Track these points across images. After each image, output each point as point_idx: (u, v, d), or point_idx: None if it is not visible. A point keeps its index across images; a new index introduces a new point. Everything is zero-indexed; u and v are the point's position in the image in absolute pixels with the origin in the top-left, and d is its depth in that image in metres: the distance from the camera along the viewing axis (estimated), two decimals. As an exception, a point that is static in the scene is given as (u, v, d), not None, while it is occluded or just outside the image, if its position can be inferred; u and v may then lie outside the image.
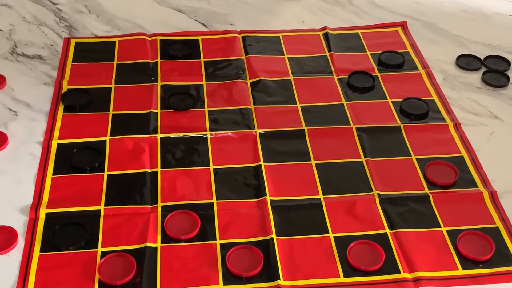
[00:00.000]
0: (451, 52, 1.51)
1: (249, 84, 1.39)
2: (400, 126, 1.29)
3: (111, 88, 1.37)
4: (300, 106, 1.34)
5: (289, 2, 1.69)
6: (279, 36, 1.54)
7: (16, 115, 1.30)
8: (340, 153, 1.23)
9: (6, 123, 1.28)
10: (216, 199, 1.13)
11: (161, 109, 1.32)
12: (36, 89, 1.37)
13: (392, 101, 1.36)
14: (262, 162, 1.20)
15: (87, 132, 1.25)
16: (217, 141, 1.25)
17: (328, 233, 1.08)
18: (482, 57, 1.49)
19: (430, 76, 1.44)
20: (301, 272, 1.02)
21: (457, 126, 1.30)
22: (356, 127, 1.28)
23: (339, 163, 1.21)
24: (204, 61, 1.46)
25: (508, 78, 1.43)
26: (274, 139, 1.26)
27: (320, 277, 1.01)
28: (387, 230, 1.08)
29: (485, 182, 1.18)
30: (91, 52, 1.47)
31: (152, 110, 1.31)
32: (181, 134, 1.26)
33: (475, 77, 1.45)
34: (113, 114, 1.30)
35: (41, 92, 1.36)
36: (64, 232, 1.06)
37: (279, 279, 1.00)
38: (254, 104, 1.34)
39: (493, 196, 1.15)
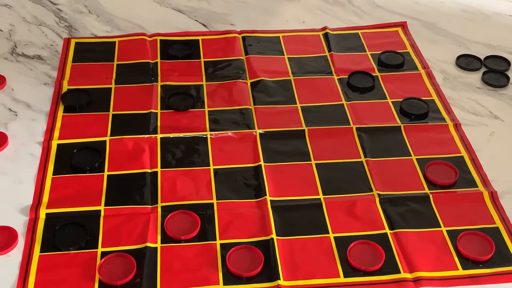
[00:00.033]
0: (451, 52, 1.51)
1: (249, 84, 1.39)
2: (400, 126, 1.29)
3: (111, 88, 1.37)
4: (300, 106, 1.34)
5: (289, 2, 1.69)
6: (279, 36, 1.54)
7: (16, 115, 1.30)
8: (340, 153, 1.23)
9: (6, 123, 1.28)
10: (216, 199, 1.13)
11: (161, 109, 1.32)
12: (36, 89, 1.37)
13: (392, 101, 1.36)
14: (262, 162, 1.20)
15: (87, 132, 1.25)
16: (217, 141, 1.25)
17: (328, 233, 1.08)
18: (482, 57, 1.49)
19: (430, 76, 1.44)
20: (301, 272, 1.02)
21: (457, 126, 1.30)
22: (356, 127, 1.28)
23: (339, 163, 1.21)
24: (204, 61, 1.46)
25: (508, 78, 1.43)
26: (274, 139, 1.26)
27: (320, 277, 1.01)
28: (387, 230, 1.08)
29: (485, 182, 1.18)
30: (91, 52, 1.47)
31: (152, 110, 1.31)
32: (181, 134, 1.26)
33: (475, 77, 1.45)
34: (113, 114, 1.30)
35: (41, 92, 1.36)
36: (64, 232, 1.06)
37: (279, 279, 1.00)
38: (254, 104, 1.34)
39: (493, 196, 1.15)
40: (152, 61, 1.45)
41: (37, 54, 1.47)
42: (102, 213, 1.10)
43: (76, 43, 1.50)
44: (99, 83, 1.38)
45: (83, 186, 1.15)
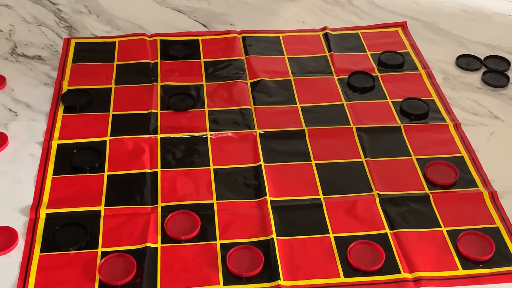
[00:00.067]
0: (451, 52, 1.51)
1: (249, 84, 1.39)
2: (400, 126, 1.29)
3: (111, 88, 1.37)
4: (300, 106, 1.34)
5: (289, 2, 1.69)
6: (279, 36, 1.54)
7: (16, 115, 1.30)
8: (340, 153, 1.23)
9: (6, 123, 1.28)
10: (216, 199, 1.13)
11: (161, 110, 1.32)
12: (36, 90, 1.37)
13: (392, 101, 1.36)
14: (262, 162, 1.20)
15: (87, 133, 1.25)
16: (217, 141, 1.25)
17: (328, 233, 1.08)
18: (482, 57, 1.49)
19: (430, 76, 1.44)
20: (301, 272, 1.02)
21: (457, 126, 1.30)
22: (356, 127, 1.28)
23: (339, 163, 1.21)
24: (204, 62, 1.46)
25: (508, 78, 1.43)
26: (274, 139, 1.26)
27: (320, 277, 1.01)
28: (387, 230, 1.08)
29: (485, 182, 1.18)
30: (91, 52, 1.47)
31: (152, 111, 1.31)
32: (181, 135, 1.26)
33: (475, 77, 1.45)
34: (113, 115, 1.30)
35: (41, 92, 1.36)
36: (64, 233, 1.06)
37: (279, 279, 1.00)
38: (254, 104, 1.34)
39: (493, 196, 1.15)
40: (152, 61, 1.45)
41: (37, 54, 1.47)
42: (102, 213, 1.10)
43: (76, 43, 1.50)
44: (99, 83, 1.38)
45: (83, 186, 1.15)
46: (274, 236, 1.06)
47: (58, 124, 1.27)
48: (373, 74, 1.42)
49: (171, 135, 1.25)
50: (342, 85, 1.40)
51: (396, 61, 1.46)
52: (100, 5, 1.64)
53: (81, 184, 1.15)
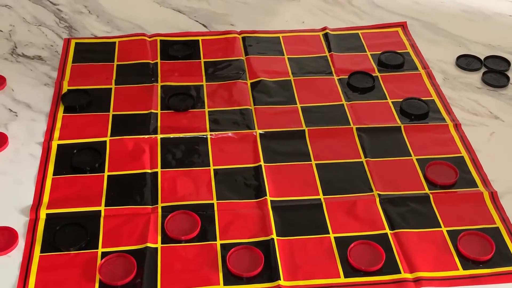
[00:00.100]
0: (451, 52, 1.51)
1: (249, 84, 1.39)
2: (400, 126, 1.29)
3: (111, 88, 1.37)
4: (300, 106, 1.34)
5: (289, 3, 1.69)
6: (279, 37, 1.55)
7: (16, 115, 1.30)
8: (340, 154, 1.23)
9: (6, 123, 1.28)
10: (217, 200, 1.13)
11: (161, 110, 1.32)
12: (36, 90, 1.37)
13: (392, 101, 1.36)
14: (262, 163, 1.20)
15: (87, 133, 1.25)
16: (217, 141, 1.25)
17: (329, 233, 1.08)
18: (482, 57, 1.49)
19: (430, 76, 1.44)
20: (301, 272, 1.02)
21: (457, 126, 1.30)
22: (356, 128, 1.28)
23: (339, 164, 1.21)
24: (204, 62, 1.46)
25: (508, 78, 1.43)
26: (274, 140, 1.26)
27: (320, 278, 1.01)
28: (387, 231, 1.09)
29: (485, 182, 1.18)
30: (91, 52, 1.47)
31: (152, 111, 1.31)
32: (181, 135, 1.26)
33: (475, 77, 1.45)
34: (113, 115, 1.30)
35: (41, 92, 1.36)
36: (65, 233, 1.06)
37: (280, 280, 1.00)
38: (254, 105, 1.34)
39: (493, 196, 1.15)
40: (152, 62, 1.45)
41: (37, 55, 1.47)
42: (103, 214, 1.10)
43: (76, 43, 1.50)
44: (99, 84, 1.38)
45: (83, 187, 1.15)
46: (274, 236, 1.06)
47: (58, 124, 1.27)
48: (373, 74, 1.42)
49: (171, 135, 1.25)
50: (342, 85, 1.40)
51: (396, 61, 1.46)
52: (100, 5, 1.64)
53: (81, 185, 1.15)
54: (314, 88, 1.39)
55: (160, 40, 1.51)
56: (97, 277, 0.99)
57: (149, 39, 1.51)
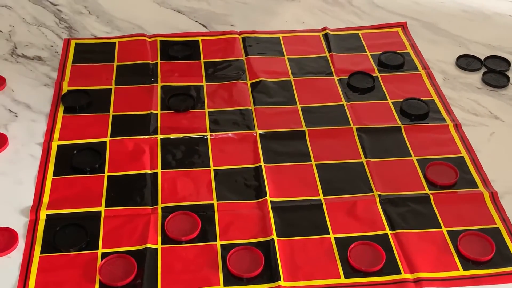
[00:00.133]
0: (451, 52, 1.51)
1: (249, 85, 1.39)
2: (400, 126, 1.29)
3: (111, 89, 1.37)
4: (300, 106, 1.34)
5: (289, 3, 1.69)
6: (279, 37, 1.54)
7: (16, 116, 1.30)
8: (340, 154, 1.23)
9: (6, 124, 1.28)
10: (217, 200, 1.13)
11: (161, 110, 1.32)
12: (36, 90, 1.37)
13: (392, 102, 1.36)
14: (262, 163, 1.20)
15: (87, 133, 1.25)
16: (217, 142, 1.25)
17: (329, 234, 1.08)
18: (482, 58, 1.49)
19: (430, 76, 1.44)
20: (301, 273, 1.02)
21: (457, 126, 1.30)
22: (356, 128, 1.28)
23: (339, 164, 1.21)
24: (204, 62, 1.46)
25: (508, 78, 1.43)
26: (274, 140, 1.26)
27: (320, 278, 1.01)
28: (387, 231, 1.08)
29: (486, 182, 1.18)
30: (91, 53, 1.47)
31: (152, 111, 1.31)
32: (181, 135, 1.26)
33: (475, 77, 1.45)
34: (113, 115, 1.30)
35: (41, 93, 1.36)
36: (65, 234, 1.06)
37: (280, 280, 1.00)
38: (254, 105, 1.34)
39: (494, 196, 1.15)
40: (152, 62, 1.45)
41: (37, 55, 1.47)
42: (103, 214, 1.10)
43: (76, 44, 1.50)
44: (99, 84, 1.38)
45: (84, 187, 1.14)
46: (274, 236, 1.06)
47: (58, 125, 1.27)
48: (373, 75, 1.42)
49: (171, 136, 1.25)
50: (342, 86, 1.40)
51: (396, 61, 1.46)
52: (100, 5, 1.64)
53: (81, 185, 1.15)
54: (314, 88, 1.39)
55: (160, 41, 1.51)
56: (97, 278, 0.99)
57: (149, 40, 1.51)
